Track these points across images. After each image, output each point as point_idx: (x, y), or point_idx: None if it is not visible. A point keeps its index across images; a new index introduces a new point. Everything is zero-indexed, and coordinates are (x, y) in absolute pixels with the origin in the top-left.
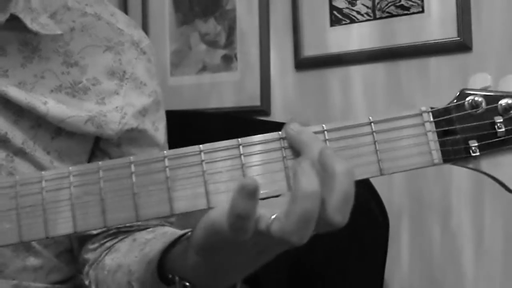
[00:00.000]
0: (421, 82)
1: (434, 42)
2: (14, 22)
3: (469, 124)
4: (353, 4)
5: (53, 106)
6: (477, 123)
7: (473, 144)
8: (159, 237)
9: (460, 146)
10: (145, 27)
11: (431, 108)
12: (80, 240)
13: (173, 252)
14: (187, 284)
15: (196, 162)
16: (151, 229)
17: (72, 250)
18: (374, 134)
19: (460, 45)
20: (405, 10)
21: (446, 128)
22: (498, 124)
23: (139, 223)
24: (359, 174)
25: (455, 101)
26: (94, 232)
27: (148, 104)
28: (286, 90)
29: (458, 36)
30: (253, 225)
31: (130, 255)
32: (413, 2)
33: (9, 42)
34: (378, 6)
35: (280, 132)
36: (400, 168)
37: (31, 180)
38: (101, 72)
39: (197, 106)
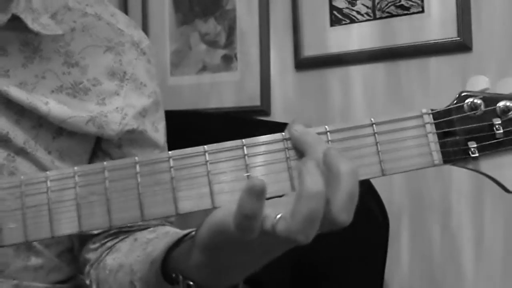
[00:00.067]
0: (421, 82)
1: (434, 42)
2: (16, 22)
3: (469, 126)
4: (353, 4)
5: (54, 106)
6: (476, 124)
7: (472, 145)
8: (161, 236)
9: (459, 147)
10: (145, 27)
11: (432, 110)
12: (81, 239)
13: (176, 252)
14: (191, 283)
15: (201, 163)
16: (151, 228)
17: (73, 250)
18: (376, 135)
19: (460, 45)
20: (405, 10)
21: (446, 130)
22: (497, 126)
23: (140, 222)
24: (361, 175)
25: (455, 102)
26: (95, 232)
27: (148, 105)
28: (286, 90)
29: (458, 36)
30: (259, 225)
31: (132, 254)
32: (413, 2)
33: (10, 42)
34: (378, 6)
35: (283, 133)
36: (401, 168)
37: (36, 180)
38: (101, 72)
39: (197, 106)
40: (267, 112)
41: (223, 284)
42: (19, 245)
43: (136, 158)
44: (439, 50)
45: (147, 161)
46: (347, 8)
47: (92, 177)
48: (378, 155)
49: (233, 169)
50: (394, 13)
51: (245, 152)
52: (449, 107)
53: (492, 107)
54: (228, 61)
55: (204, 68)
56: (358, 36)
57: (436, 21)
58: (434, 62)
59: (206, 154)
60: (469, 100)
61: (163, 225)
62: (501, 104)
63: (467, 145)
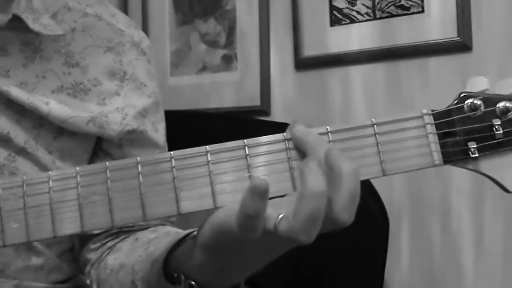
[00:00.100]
0: (421, 82)
1: (434, 42)
2: (16, 23)
3: (469, 126)
4: (353, 4)
5: (55, 106)
6: (476, 125)
7: (472, 145)
8: (162, 236)
9: (459, 148)
10: (145, 27)
11: (432, 110)
12: (82, 239)
13: (178, 251)
14: (193, 283)
15: (203, 163)
16: (152, 228)
17: (73, 250)
18: (377, 135)
19: (460, 45)
20: (405, 10)
21: (447, 130)
22: (496, 127)
23: (141, 222)
24: (362, 175)
25: (455, 103)
26: (96, 231)
27: (148, 105)
28: (286, 90)
29: (458, 36)
30: (262, 224)
31: (133, 254)
32: (413, 2)
33: (11, 42)
34: (378, 6)
35: (285, 133)
36: (402, 169)
37: (38, 180)
38: (102, 72)
39: (197, 106)
40: (267, 112)
41: (224, 284)
42: (20, 245)
43: (138, 158)
44: (439, 50)
45: (149, 161)
46: (347, 8)
47: (94, 177)
48: (379, 156)
49: (235, 169)
50: (394, 13)
51: (247, 153)
52: (449, 108)
53: (492, 108)
54: (228, 61)
55: (204, 68)
56: (358, 36)
57: (436, 21)
58: (434, 62)
59: (208, 154)
60: (469, 100)
61: (164, 225)
62: (500, 105)
63: (467, 145)
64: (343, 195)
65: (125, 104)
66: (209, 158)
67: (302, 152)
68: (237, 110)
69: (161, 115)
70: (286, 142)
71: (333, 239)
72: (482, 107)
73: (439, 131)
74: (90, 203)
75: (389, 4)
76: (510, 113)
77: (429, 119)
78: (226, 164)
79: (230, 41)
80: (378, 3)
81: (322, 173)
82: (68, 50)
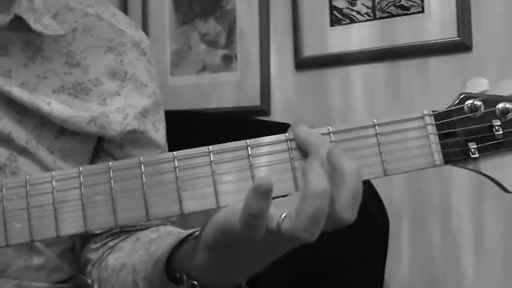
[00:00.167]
0: (421, 82)
1: (434, 42)
2: (18, 23)
3: (469, 127)
4: (353, 4)
5: (56, 106)
6: (476, 126)
7: (473, 146)
8: (164, 236)
9: (460, 148)
10: (145, 27)
11: (433, 111)
12: (82, 239)
13: (180, 251)
14: (195, 283)
15: (205, 163)
16: (153, 228)
17: (74, 250)
18: (378, 136)
19: (460, 45)
20: (405, 10)
21: (447, 131)
22: (496, 127)
23: (142, 222)
24: (363, 175)
25: (455, 104)
26: (97, 231)
27: (149, 105)
28: (286, 90)
29: (458, 36)
30: (265, 223)
31: (134, 254)
32: (413, 2)
33: (12, 42)
34: (378, 6)
35: (287, 134)
36: (403, 169)
37: (41, 180)
38: (102, 72)
39: (197, 106)
40: (267, 112)
41: (227, 284)
42: (21, 245)
43: (141, 158)
44: (439, 50)
45: (152, 161)
46: (347, 8)
47: (97, 177)
48: (381, 156)
49: (237, 169)
50: (394, 13)
51: (249, 153)
52: (449, 109)
53: (492, 109)
54: (228, 61)
55: (204, 68)
56: (358, 36)
57: (436, 21)
58: (434, 62)
59: (211, 155)
60: (469, 101)
61: (165, 224)
62: (500, 105)
63: (467, 146)
64: (345, 194)
65: (126, 104)
66: (211, 158)
67: (304, 153)
68: (237, 110)
69: (162, 115)
70: (289, 142)
71: (334, 239)
72: (482, 108)
73: (440, 132)
74: (93, 203)
75: (389, 4)
76: (509, 114)
77: (430, 119)
78: (228, 164)
79: (230, 41)
80: (378, 3)
81: (325, 172)
82: (69, 50)
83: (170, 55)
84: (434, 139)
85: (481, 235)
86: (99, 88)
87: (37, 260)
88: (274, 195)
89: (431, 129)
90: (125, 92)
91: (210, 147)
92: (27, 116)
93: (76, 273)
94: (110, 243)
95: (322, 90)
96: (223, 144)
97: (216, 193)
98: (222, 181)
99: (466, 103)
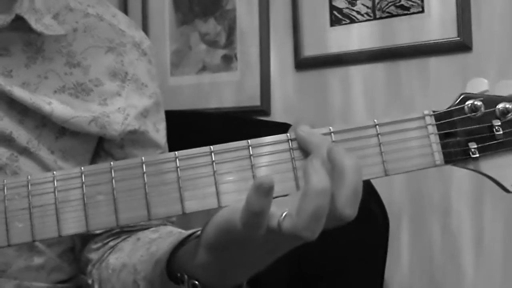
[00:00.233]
0: (421, 82)
1: (434, 42)
2: (19, 23)
3: (469, 127)
4: (353, 4)
5: (57, 106)
6: (477, 126)
7: (473, 146)
8: (164, 236)
9: (460, 148)
10: (145, 27)
11: (433, 111)
12: (83, 239)
13: (181, 251)
14: (196, 282)
15: (207, 163)
16: (154, 228)
17: (74, 250)
18: (379, 136)
19: (460, 45)
20: (405, 10)
21: (448, 131)
22: (496, 127)
23: (143, 222)
24: (364, 175)
25: (455, 104)
26: (98, 231)
27: (149, 105)
28: (286, 90)
29: (458, 36)
30: (266, 222)
31: (135, 254)
32: (413, 2)
33: (13, 42)
34: (378, 6)
35: (288, 134)
36: (403, 169)
37: (43, 180)
38: (103, 73)
39: (197, 106)
40: (267, 112)
41: (228, 284)
42: (22, 245)
43: (143, 158)
44: (439, 50)
45: (153, 161)
46: (347, 8)
47: (99, 177)
48: (381, 156)
49: (239, 169)
50: (394, 13)
51: (251, 153)
52: (450, 109)
53: (492, 109)
54: (228, 61)
55: (204, 68)
56: (358, 36)
57: (436, 21)
58: (434, 62)
59: (212, 154)
60: (470, 102)
61: (165, 225)
62: (500, 106)
63: (468, 146)
64: (345, 190)
65: (127, 105)
66: (213, 158)
67: (305, 152)
68: (237, 110)
69: (162, 115)
70: (290, 142)
71: (334, 239)
72: (482, 108)
73: (441, 132)
74: (95, 202)
75: (389, 4)
76: (509, 114)
77: (430, 120)
78: (230, 164)
79: (230, 41)
80: (378, 3)
81: (325, 171)
82: (70, 50)
83: (170, 55)
84: (434, 139)
85: (481, 235)
86: (100, 88)
87: (37, 260)
88: (275, 195)
89: (432, 129)
90: (126, 92)
91: (211, 147)
92: (28, 116)
93: (77, 273)
94: (111, 243)
95: (322, 90)
96: (224, 144)
97: (217, 193)
98: (224, 181)
99: (467, 103)
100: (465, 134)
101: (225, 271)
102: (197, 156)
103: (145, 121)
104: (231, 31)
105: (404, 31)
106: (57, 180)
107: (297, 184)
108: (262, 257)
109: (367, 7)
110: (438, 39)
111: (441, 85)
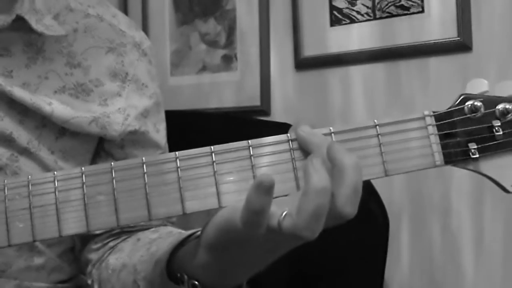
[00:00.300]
0: (421, 82)
1: (434, 42)
2: (19, 23)
3: (469, 128)
4: (353, 4)
5: (57, 106)
6: (476, 126)
7: (473, 146)
8: (164, 236)
9: (460, 149)
10: (145, 27)
11: (434, 112)
12: (83, 239)
13: (181, 251)
14: (196, 283)
15: (208, 163)
16: (154, 228)
17: (74, 250)
18: (379, 136)
19: (460, 45)
20: (405, 10)
21: (448, 131)
22: (496, 128)
23: (143, 223)
24: (365, 175)
25: (455, 104)
26: (98, 232)
27: (150, 106)
28: (286, 90)
29: (458, 36)
30: (266, 220)
31: (135, 254)
32: (413, 2)
33: (14, 43)
34: (378, 6)
35: (288, 134)
36: (404, 169)
37: (44, 180)
38: (103, 73)
39: (197, 106)
40: (267, 112)
41: (228, 284)
42: (22, 245)
43: (143, 158)
44: (439, 50)
45: (154, 162)
46: (347, 8)
47: (99, 177)
48: (382, 156)
49: (239, 169)
50: (394, 13)
51: (251, 153)
52: (450, 109)
53: (492, 110)
54: (228, 61)
55: (204, 68)
56: (358, 36)
57: (436, 21)
58: (434, 62)
59: (213, 155)
60: (469, 102)
61: (165, 225)
62: (500, 106)
63: (468, 146)
64: (345, 188)
65: (127, 105)
66: (213, 158)
67: (306, 153)
68: (237, 110)
69: (162, 115)
70: (290, 142)
71: (334, 239)
72: (482, 109)
73: (441, 132)
74: (95, 203)
75: (389, 4)
76: (509, 115)
77: (430, 120)
78: (230, 164)
79: (230, 41)
80: (378, 3)
81: (325, 170)
82: (70, 51)
83: (170, 55)
84: (434, 139)
85: (481, 235)
86: (100, 88)
87: (37, 260)
88: (275, 195)
89: (432, 129)
90: (126, 92)
91: (212, 147)
92: (28, 116)
93: (77, 273)
94: (111, 244)
95: (322, 90)
96: (225, 145)
97: (218, 193)
98: (224, 181)
99: (467, 104)
100: (465, 134)
101: (225, 271)
102: (198, 156)
103: (146, 122)
104: (231, 31)
105: (404, 31)
106: (57, 180)
107: (298, 185)
108: (262, 257)
109: (367, 7)
110: (438, 39)
111: (441, 85)
